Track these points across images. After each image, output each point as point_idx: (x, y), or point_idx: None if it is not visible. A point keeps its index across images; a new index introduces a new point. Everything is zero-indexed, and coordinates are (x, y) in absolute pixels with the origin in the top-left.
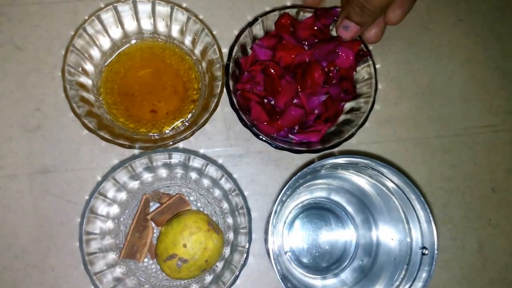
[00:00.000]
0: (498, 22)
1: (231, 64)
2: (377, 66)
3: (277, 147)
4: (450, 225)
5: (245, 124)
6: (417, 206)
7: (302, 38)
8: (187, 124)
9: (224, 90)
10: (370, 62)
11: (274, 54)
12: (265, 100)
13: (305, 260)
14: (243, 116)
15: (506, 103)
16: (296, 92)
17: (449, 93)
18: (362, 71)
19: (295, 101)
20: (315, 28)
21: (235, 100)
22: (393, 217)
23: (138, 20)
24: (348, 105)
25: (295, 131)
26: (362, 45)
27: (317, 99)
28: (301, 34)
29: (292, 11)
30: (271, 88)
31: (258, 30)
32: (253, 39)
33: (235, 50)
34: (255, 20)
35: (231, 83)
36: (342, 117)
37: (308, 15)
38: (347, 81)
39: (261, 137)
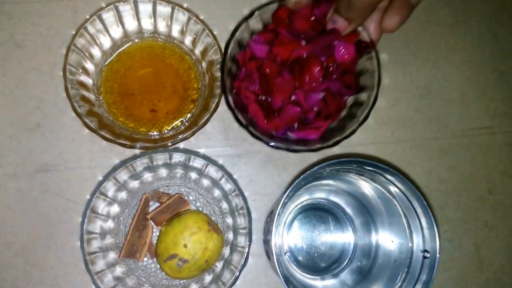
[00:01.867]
0: (496, 24)
1: (227, 62)
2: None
3: (273, 147)
4: (447, 227)
5: (241, 124)
6: (419, 210)
7: (299, 31)
8: (186, 124)
9: None
10: (373, 54)
11: (271, 49)
12: (262, 97)
13: (303, 260)
14: (239, 116)
15: (503, 105)
16: (293, 89)
17: (447, 94)
18: (366, 63)
19: (293, 98)
20: (313, 18)
21: (230, 99)
22: (394, 220)
23: (138, 19)
24: (351, 99)
25: (294, 128)
26: (366, 36)
27: (315, 96)
28: (298, 26)
29: (290, 3)
30: (266, 87)
31: (255, 24)
32: (251, 34)
33: (231, 46)
34: (252, 14)
35: (228, 81)
36: (344, 112)
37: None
38: (349, 75)
39: (257, 136)
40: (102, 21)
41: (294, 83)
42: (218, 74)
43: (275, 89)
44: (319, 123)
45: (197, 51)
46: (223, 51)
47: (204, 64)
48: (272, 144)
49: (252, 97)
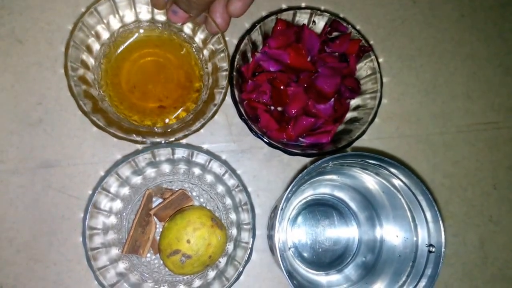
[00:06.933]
0: (501, 19)
1: (234, 74)
2: (380, 60)
3: (291, 154)
4: (452, 222)
5: (255, 134)
6: (424, 204)
7: (309, 48)
8: (191, 114)
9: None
10: (373, 57)
11: (284, 50)
12: (272, 108)
13: (308, 256)
14: (253, 126)
15: (508, 100)
16: (307, 101)
17: (452, 89)
18: (365, 67)
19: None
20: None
21: (242, 111)
22: (398, 214)
23: (135, 8)
24: (353, 102)
25: (304, 134)
26: (363, 41)
27: (327, 105)
28: (309, 44)
29: (289, 14)
30: (278, 98)
31: (256, 36)
32: (252, 45)
33: (237, 59)
34: (253, 27)
35: (236, 93)
36: (349, 115)
37: (305, 16)
38: (351, 79)
39: (274, 145)
40: (98, 13)
41: (306, 97)
42: (222, 64)
43: (288, 100)
44: (328, 127)
45: (197, 39)
46: (229, 64)
47: (206, 52)
48: (289, 151)
49: (262, 107)
